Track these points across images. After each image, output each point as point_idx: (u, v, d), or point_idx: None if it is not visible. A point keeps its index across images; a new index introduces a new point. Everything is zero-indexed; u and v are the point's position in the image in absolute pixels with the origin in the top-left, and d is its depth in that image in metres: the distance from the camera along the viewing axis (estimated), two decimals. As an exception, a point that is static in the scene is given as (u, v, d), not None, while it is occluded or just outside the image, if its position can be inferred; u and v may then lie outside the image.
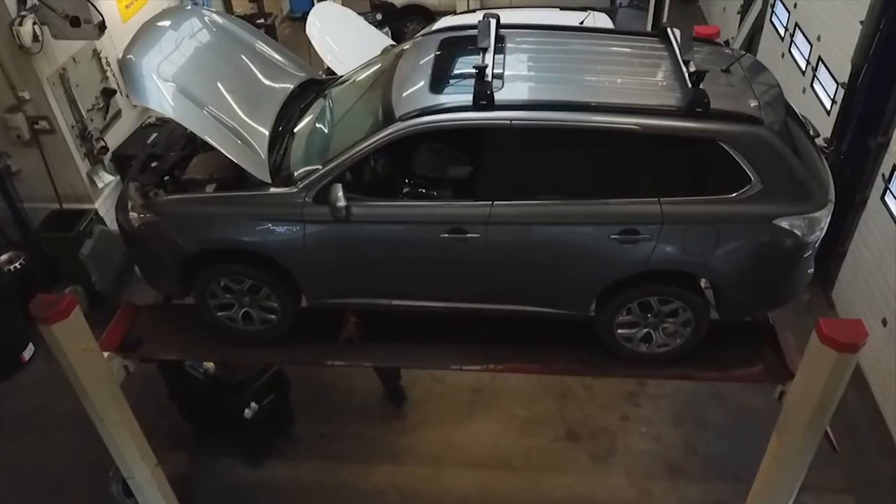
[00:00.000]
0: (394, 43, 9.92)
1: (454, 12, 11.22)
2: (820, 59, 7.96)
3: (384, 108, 4.43)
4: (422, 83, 4.46)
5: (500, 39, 4.83)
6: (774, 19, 9.60)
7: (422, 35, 5.32)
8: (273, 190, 4.46)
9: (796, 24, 8.72)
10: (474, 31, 4.75)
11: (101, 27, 7.19)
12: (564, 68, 4.62)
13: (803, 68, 8.45)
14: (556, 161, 4.36)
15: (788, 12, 9.03)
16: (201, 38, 4.96)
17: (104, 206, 8.22)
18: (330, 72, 9.05)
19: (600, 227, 4.32)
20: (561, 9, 9.35)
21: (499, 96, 4.22)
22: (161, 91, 4.32)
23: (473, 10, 9.93)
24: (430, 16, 12.14)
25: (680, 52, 4.45)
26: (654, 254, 4.32)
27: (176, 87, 4.38)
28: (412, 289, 4.75)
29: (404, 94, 4.43)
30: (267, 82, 5.12)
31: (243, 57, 5.12)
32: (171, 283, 4.86)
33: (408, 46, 5.17)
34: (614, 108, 4.17)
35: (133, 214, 4.74)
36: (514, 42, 4.81)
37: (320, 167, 4.40)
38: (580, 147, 4.28)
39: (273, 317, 4.92)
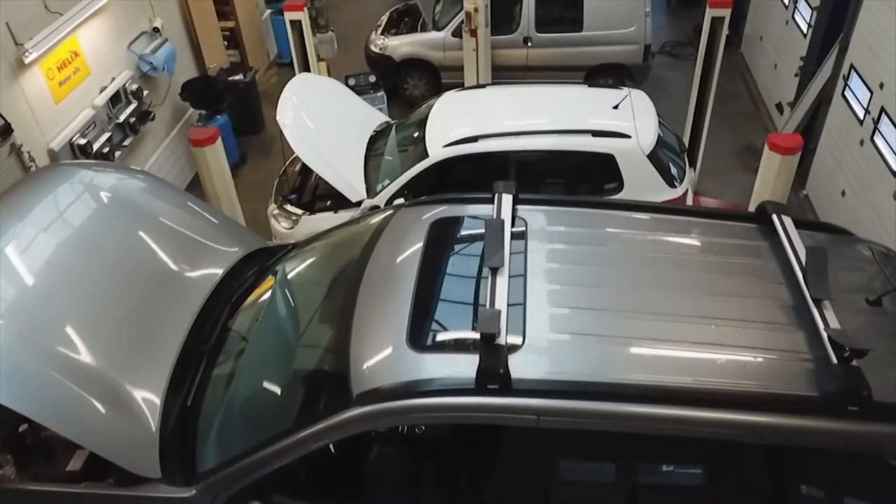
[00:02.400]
0: (388, 119, 8.35)
1: (460, 68, 9.59)
2: (921, 162, 6.29)
3: (336, 373, 2.81)
4: (396, 327, 2.83)
5: (517, 225, 3.21)
6: (848, 94, 7.91)
7: (406, 207, 3.67)
8: (163, 491, 2.85)
9: (883, 110, 7.04)
10: (477, 214, 3.14)
11: (5, 132, 5.64)
12: (623, 303, 2.95)
13: (894, 167, 6.77)
14: (619, 478, 2.72)
15: (871, 92, 7.34)
16: (75, 218, 3.36)
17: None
18: (304, 167, 7.50)
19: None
20: (589, 85, 7.72)
21: (518, 366, 2.60)
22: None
23: (483, 86, 8.29)
24: (434, 70, 10.51)
25: (808, 286, 2.79)
26: None
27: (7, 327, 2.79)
28: None
29: (367, 353, 2.81)
30: (176, 277, 3.52)
31: (141, 241, 3.52)
32: None
33: (382, 230, 3.52)
34: (712, 398, 2.53)
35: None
36: (538, 236, 3.18)
37: (234, 459, 2.79)
38: (659, 457, 2.65)
39: None
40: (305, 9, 8.09)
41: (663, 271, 3.06)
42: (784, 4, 9.96)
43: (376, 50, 10.63)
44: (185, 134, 9.56)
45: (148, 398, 2.98)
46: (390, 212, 3.60)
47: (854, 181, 7.57)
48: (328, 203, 7.24)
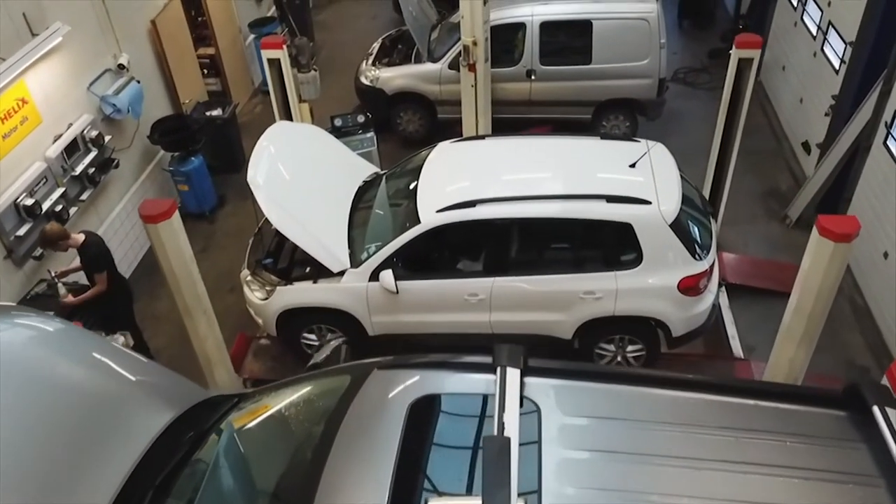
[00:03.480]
0: (378, 170, 7.52)
1: (458, 103, 8.69)
2: None
3: None
4: None
5: (526, 408, 2.38)
6: (892, 143, 7.06)
7: (381, 370, 2.82)
8: None
9: (937, 169, 6.21)
10: (472, 393, 2.31)
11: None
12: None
13: (951, 236, 5.94)
14: None
15: (920, 146, 6.51)
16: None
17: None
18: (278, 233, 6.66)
19: None
20: (602, 136, 6.87)
21: None
22: None
23: (482, 137, 7.44)
24: (429, 104, 9.66)
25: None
26: None
27: None
28: None
29: None
30: (78, 463, 2.69)
31: (31, 420, 2.69)
32: None
33: (347, 405, 2.69)
34: None
35: None
36: (555, 437, 2.35)
37: None
38: None
39: None
40: (285, 47, 7.24)
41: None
42: (811, 34, 9.10)
43: (367, 82, 9.77)
44: (155, 179, 8.74)
45: None
46: (361, 373, 2.76)
47: (899, 244, 6.74)
48: (307, 270, 6.41)
